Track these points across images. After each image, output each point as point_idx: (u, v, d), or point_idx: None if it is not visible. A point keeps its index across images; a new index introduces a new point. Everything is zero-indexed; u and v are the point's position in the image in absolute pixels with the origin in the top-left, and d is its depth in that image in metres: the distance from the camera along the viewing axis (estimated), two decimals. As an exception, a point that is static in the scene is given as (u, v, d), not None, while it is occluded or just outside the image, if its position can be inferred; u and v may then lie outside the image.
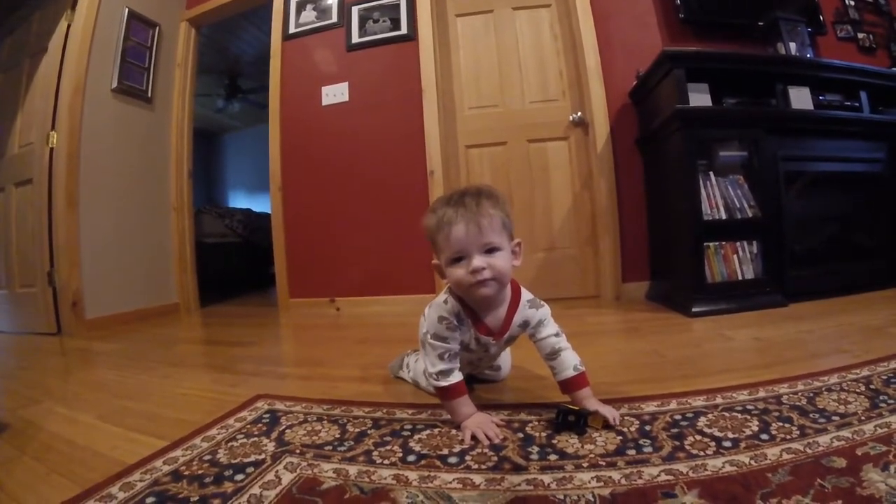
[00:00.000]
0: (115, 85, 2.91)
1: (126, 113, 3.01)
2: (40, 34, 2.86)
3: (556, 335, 1.00)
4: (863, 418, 0.85)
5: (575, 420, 0.89)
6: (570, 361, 0.97)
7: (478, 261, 0.88)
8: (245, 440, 0.95)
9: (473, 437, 0.89)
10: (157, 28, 3.22)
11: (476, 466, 0.79)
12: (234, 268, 4.65)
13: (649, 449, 0.80)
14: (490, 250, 0.89)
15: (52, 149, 2.64)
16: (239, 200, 7.67)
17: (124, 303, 2.88)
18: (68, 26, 2.74)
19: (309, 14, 3.07)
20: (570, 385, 0.96)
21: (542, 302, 1.04)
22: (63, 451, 0.99)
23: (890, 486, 0.62)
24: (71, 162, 2.62)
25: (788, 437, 0.80)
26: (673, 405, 0.98)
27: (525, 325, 1.01)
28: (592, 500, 0.66)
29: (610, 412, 0.91)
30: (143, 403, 1.29)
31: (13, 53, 3.02)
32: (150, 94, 3.16)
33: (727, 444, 0.79)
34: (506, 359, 1.24)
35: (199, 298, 3.45)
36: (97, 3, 2.80)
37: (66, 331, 2.58)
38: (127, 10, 2.99)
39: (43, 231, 2.62)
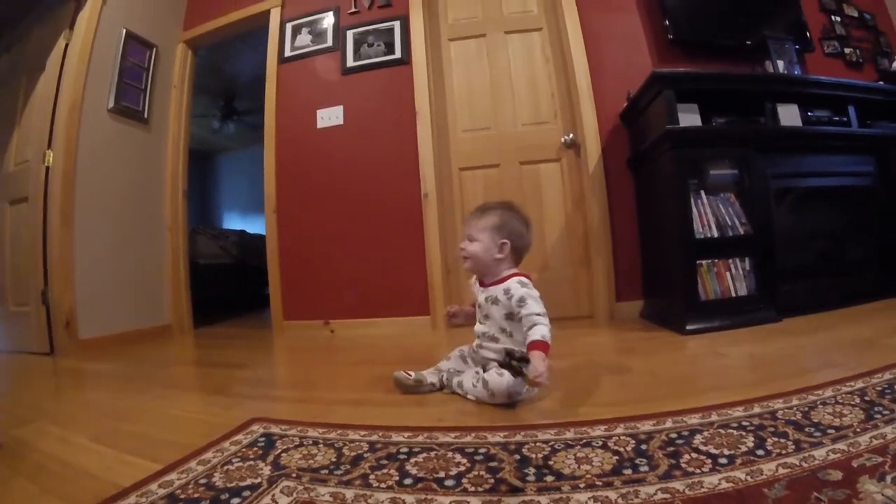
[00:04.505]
0: (111, 105, 2.93)
1: (122, 133, 3.03)
2: (38, 52, 2.88)
3: (538, 314, 1.25)
4: (858, 430, 0.85)
5: (517, 364, 1.19)
6: (539, 331, 1.22)
7: (463, 243, 1.41)
8: (241, 464, 0.95)
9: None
10: (154, 49, 3.25)
11: (473, 489, 0.79)
12: (227, 289, 4.63)
13: (646, 468, 0.80)
14: (472, 240, 1.37)
15: (48, 167, 2.64)
16: (233, 221, 7.66)
17: (118, 323, 2.85)
18: (66, 45, 2.77)
19: (304, 38, 3.12)
20: (531, 346, 1.20)
21: (534, 291, 1.31)
22: (56, 471, 0.98)
23: (886, 496, 0.62)
24: (66, 181, 2.63)
25: (784, 451, 0.80)
26: (668, 423, 0.98)
27: (507, 293, 1.31)
28: (590, 519, 0.66)
29: (537, 366, 1.12)
30: (137, 425, 1.27)
31: (10, 70, 3.04)
32: (146, 115, 3.18)
33: (723, 460, 0.79)
34: (487, 385, 1.23)
35: (193, 319, 3.42)
36: (95, 23, 2.82)
37: (59, 351, 2.55)
38: (124, 30, 3.02)
39: (37, 250, 2.61)
